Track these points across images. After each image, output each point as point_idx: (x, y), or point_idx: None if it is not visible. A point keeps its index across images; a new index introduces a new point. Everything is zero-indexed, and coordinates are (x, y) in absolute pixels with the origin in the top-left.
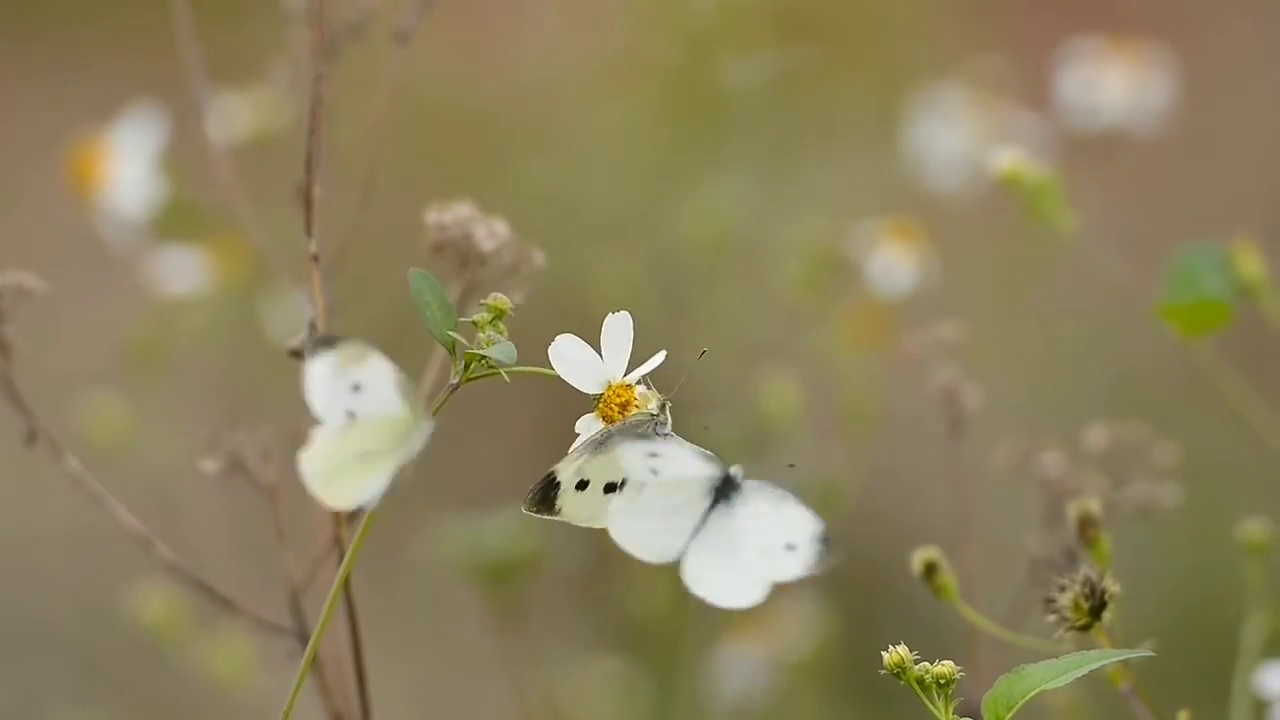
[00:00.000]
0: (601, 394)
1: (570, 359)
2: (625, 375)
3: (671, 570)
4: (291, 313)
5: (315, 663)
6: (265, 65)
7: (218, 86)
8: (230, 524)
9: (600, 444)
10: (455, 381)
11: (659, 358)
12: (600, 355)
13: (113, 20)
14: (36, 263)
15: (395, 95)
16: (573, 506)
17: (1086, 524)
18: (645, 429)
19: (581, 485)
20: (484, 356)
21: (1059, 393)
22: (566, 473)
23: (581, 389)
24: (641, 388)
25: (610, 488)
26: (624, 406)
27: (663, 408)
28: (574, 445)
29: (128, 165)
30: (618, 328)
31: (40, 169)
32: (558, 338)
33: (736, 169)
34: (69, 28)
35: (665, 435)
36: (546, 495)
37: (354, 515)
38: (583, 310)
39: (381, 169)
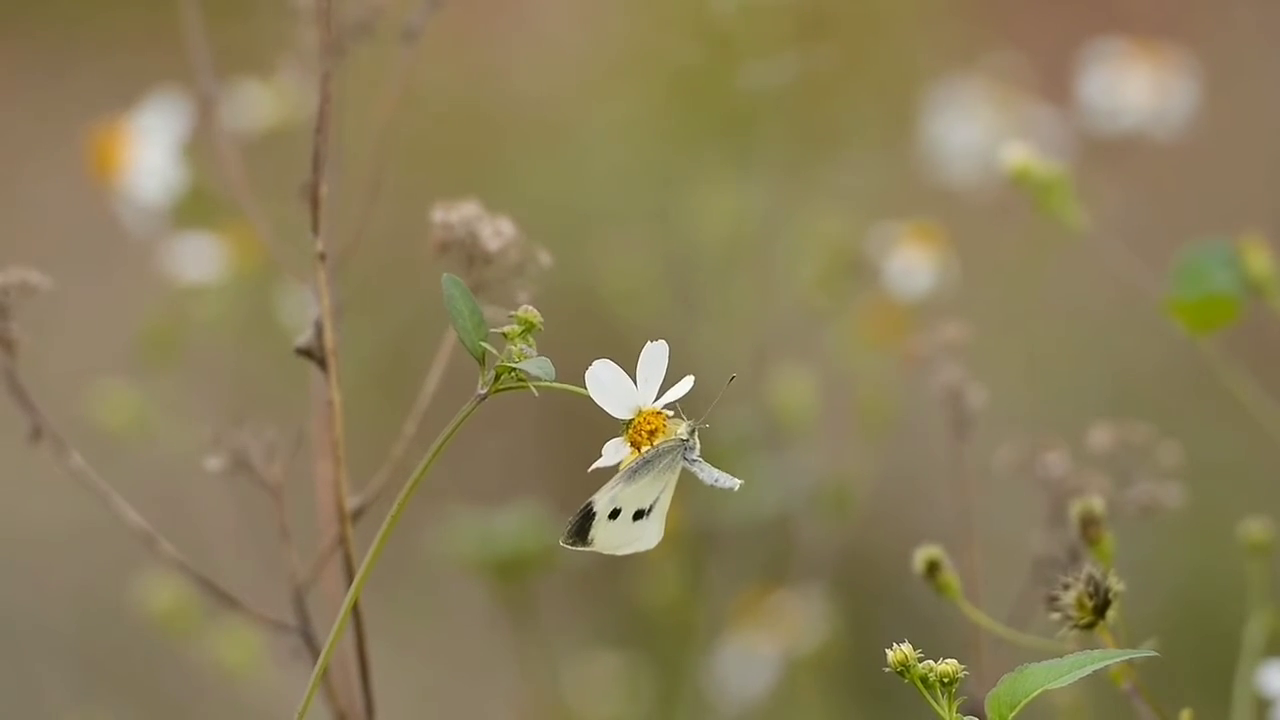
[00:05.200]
0: (631, 420)
1: (606, 385)
2: (663, 414)
3: (679, 567)
4: (299, 310)
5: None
6: (272, 62)
7: (223, 82)
8: (237, 520)
9: (634, 472)
10: (483, 392)
11: (687, 384)
12: (629, 374)
13: (113, 15)
14: (39, 256)
15: (402, 94)
16: (604, 536)
17: (1089, 523)
18: (677, 454)
19: (614, 514)
20: (514, 369)
21: (1065, 392)
22: (601, 502)
23: (613, 414)
24: (670, 397)
25: (639, 515)
26: (652, 434)
27: (692, 433)
28: (595, 465)
29: (151, 151)
30: (654, 356)
31: (43, 163)
32: (595, 363)
33: (749, 167)
34: (70, 23)
35: (695, 460)
36: (583, 527)
37: (357, 515)
38: (593, 310)
39: (388, 167)
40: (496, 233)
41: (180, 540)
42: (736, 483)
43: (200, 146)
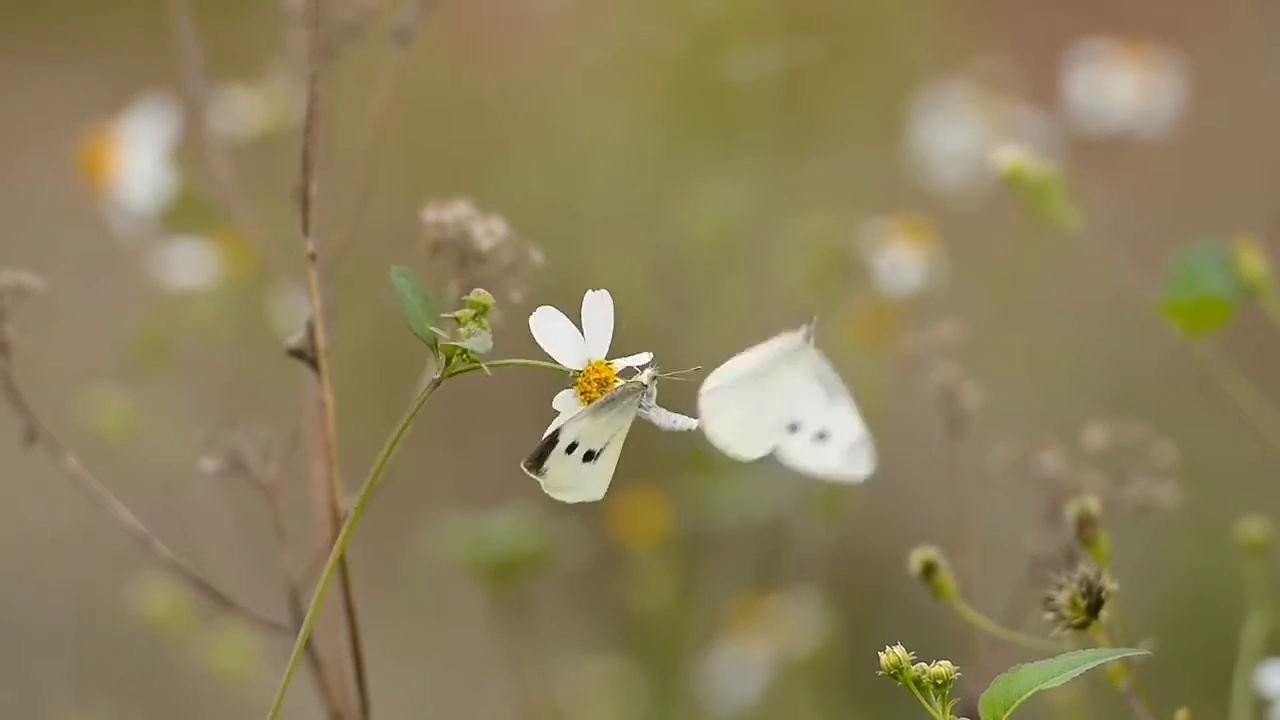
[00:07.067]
0: (581, 371)
1: (550, 331)
2: (612, 365)
3: (672, 570)
4: (291, 311)
5: (315, 661)
6: (263, 63)
7: (216, 84)
8: (233, 521)
9: (600, 408)
10: (437, 377)
11: (644, 357)
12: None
13: (109, 17)
14: (34, 258)
15: (394, 94)
16: (556, 469)
17: (1085, 523)
18: (636, 398)
19: (570, 449)
20: (462, 350)
21: (1061, 392)
22: (567, 432)
23: (562, 363)
24: (628, 363)
25: (589, 456)
26: (603, 384)
27: (653, 380)
28: (554, 425)
29: (139, 157)
30: (597, 306)
31: (38, 164)
32: (538, 309)
33: (741, 166)
34: (66, 24)
35: (650, 406)
36: (544, 453)
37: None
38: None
39: (380, 167)
40: (489, 232)
41: (176, 542)
42: (693, 423)
43: (191, 150)
